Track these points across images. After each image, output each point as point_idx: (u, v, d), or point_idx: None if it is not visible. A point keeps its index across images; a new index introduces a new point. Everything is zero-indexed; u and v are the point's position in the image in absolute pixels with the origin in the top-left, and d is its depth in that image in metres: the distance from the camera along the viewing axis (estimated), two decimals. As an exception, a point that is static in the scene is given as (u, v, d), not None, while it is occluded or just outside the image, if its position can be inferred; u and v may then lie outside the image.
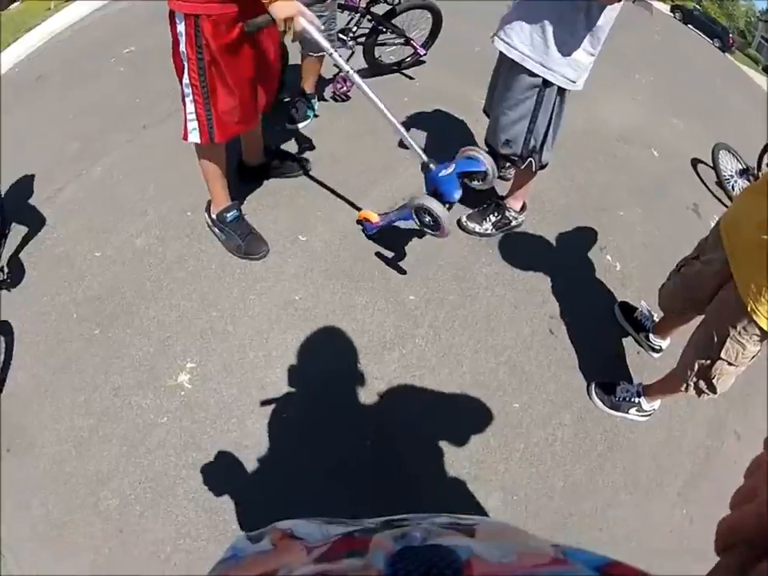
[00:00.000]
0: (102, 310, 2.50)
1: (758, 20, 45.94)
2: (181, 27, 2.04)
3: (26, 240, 2.86)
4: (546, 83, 2.36)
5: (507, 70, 2.45)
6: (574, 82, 2.37)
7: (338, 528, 0.65)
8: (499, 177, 3.22)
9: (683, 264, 2.22)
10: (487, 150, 2.66)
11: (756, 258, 1.70)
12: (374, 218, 2.62)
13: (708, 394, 1.99)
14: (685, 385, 2.03)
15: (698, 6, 36.34)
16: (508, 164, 2.97)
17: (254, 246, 2.65)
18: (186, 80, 2.17)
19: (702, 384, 1.97)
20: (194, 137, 2.31)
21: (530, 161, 2.60)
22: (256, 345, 2.37)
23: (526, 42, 2.31)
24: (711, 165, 4.50)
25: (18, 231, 2.92)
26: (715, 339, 1.87)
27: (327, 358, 2.37)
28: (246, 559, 0.59)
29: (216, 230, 2.70)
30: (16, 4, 16.54)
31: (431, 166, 2.35)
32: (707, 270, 1.99)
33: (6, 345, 2.45)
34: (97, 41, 5.65)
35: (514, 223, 2.98)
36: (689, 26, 22.97)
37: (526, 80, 2.38)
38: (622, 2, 2.10)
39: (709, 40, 21.77)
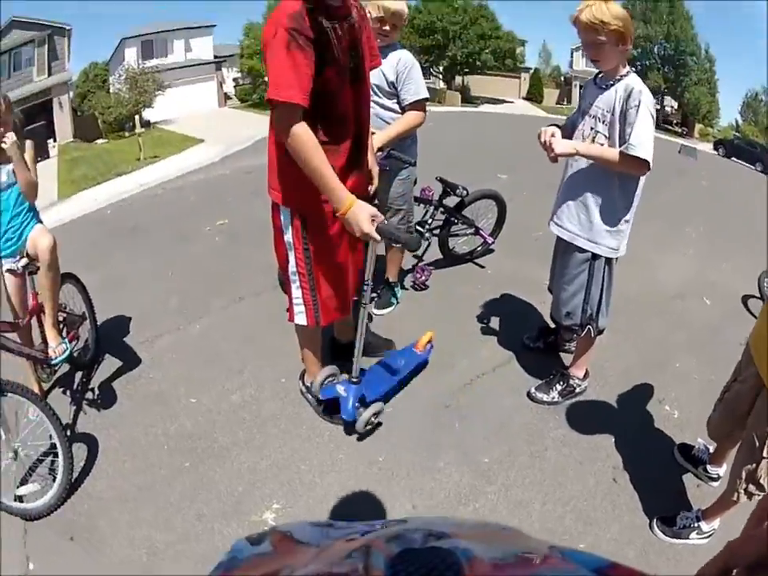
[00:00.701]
0: (194, 447, 2.67)
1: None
2: (286, 219, 2.26)
3: (119, 373, 3.07)
4: (595, 256, 2.65)
5: (563, 249, 2.77)
6: (617, 250, 2.64)
7: (338, 530, 0.66)
8: (563, 350, 3.49)
9: (725, 391, 2.30)
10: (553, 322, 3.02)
11: None
12: None
13: (758, 495, 1.99)
14: (736, 494, 2.05)
15: (736, 134, 36.43)
16: (572, 336, 3.18)
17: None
18: (292, 267, 2.36)
19: (751, 488, 1.99)
20: (301, 320, 2.50)
21: (588, 328, 2.84)
22: (340, 495, 2.50)
23: (574, 222, 2.63)
24: (759, 295, 4.57)
25: (112, 364, 3.16)
26: (757, 443, 1.92)
27: (407, 512, 2.46)
28: (246, 561, 0.59)
29: (309, 396, 2.89)
30: (101, 141, 17.87)
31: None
32: (744, 387, 2.07)
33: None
34: (191, 205, 6.13)
35: (578, 390, 3.15)
36: (732, 158, 23.10)
37: (578, 256, 2.68)
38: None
39: (751, 166, 21.76)
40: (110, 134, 19.64)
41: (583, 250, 2.66)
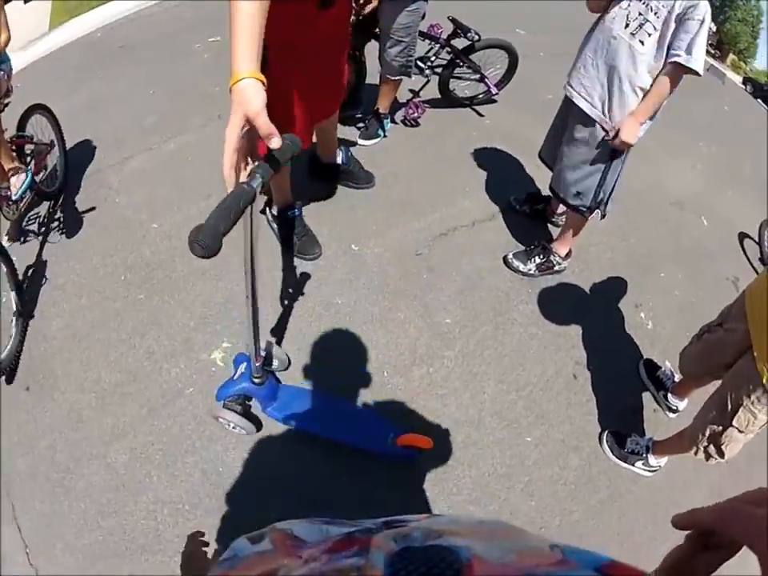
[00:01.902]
0: (151, 278, 2.61)
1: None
2: None
3: (85, 200, 3.00)
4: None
5: (581, 123, 2.57)
6: (638, 136, 2.49)
7: (338, 528, 0.66)
8: (550, 222, 3.35)
9: (706, 330, 2.25)
10: (552, 196, 2.88)
11: None
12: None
13: (716, 459, 2.01)
14: (695, 449, 2.05)
15: (769, 80, 35.92)
16: (577, 213, 3.04)
17: (308, 246, 2.75)
18: None
19: (711, 449, 1.99)
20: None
21: (597, 211, 2.72)
22: (293, 338, 2.45)
23: (606, 102, 2.46)
24: (757, 241, 4.50)
25: (80, 191, 3.09)
26: (729, 407, 1.89)
27: (357, 362, 2.44)
28: (246, 559, 0.60)
29: (275, 225, 2.79)
30: None
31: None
32: (729, 338, 2.02)
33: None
34: (184, 23, 5.79)
35: (557, 268, 3.04)
36: (758, 100, 22.67)
37: (602, 136, 2.50)
38: None
39: (774, 111, 21.46)
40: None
41: (608, 132, 2.49)
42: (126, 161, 3.30)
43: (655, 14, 2.29)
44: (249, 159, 1.24)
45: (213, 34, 5.12)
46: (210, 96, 3.95)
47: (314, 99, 2.35)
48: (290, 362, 2.34)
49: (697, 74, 2.27)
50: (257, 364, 1.87)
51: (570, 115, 2.67)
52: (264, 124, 1.16)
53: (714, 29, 41.57)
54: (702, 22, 2.20)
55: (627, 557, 1.61)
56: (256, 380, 1.95)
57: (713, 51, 39.02)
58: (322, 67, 2.31)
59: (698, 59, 2.24)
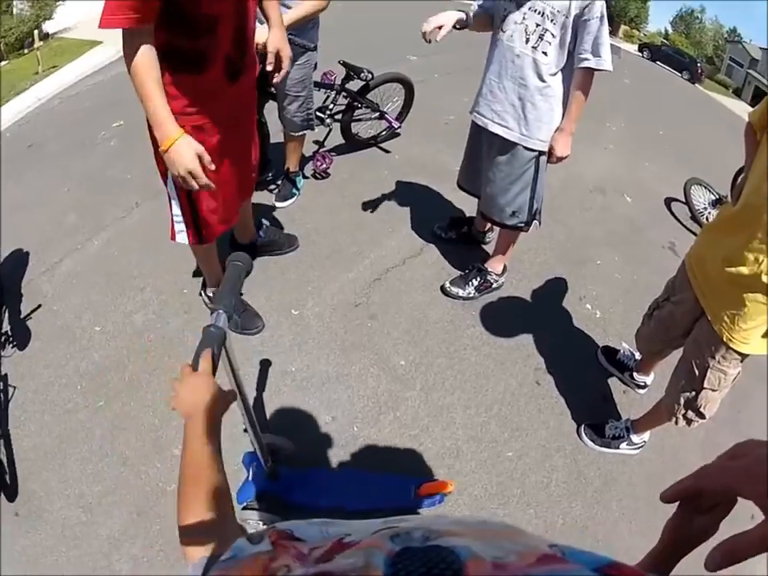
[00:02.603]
0: (106, 382, 2.56)
1: (725, 41, 46.76)
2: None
3: (25, 312, 2.92)
4: (541, 153, 2.56)
5: (499, 147, 2.60)
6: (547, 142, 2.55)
7: (338, 528, 0.65)
8: (478, 241, 3.40)
9: (655, 307, 2.29)
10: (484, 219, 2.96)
11: (725, 291, 1.79)
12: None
13: (697, 422, 2.03)
14: (675, 419, 2.07)
15: (665, 41, 37.29)
16: (487, 228, 3.15)
17: (250, 321, 2.72)
18: (170, 183, 2.15)
19: (690, 414, 2.02)
20: (182, 238, 2.34)
21: (534, 222, 2.77)
22: (257, 414, 2.36)
23: (518, 120, 2.50)
24: (684, 201, 4.61)
25: (17, 304, 2.99)
26: (696, 372, 1.92)
27: (326, 425, 2.43)
28: (246, 560, 0.58)
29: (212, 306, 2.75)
30: (3, 63, 16.69)
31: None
32: (679, 310, 2.07)
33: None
34: (87, 112, 5.81)
35: (495, 285, 3.07)
36: (657, 62, 23.46)
37: (525, 154, 2.55)
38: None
39: (678, 73, 22.26)
40: (10, 55, 18.21)
41: (529, 149, 2.54)
42: (56, 266, 3.24)
43: (552, 21, 2.31)
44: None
45: (115, 119, 5.11)
46: (124, 184, 3.93)
47: (235, 176, 2.35)
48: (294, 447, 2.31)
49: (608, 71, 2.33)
50: (268, 464, 1.93)
51: (484, 141, 2.70)
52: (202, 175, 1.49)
53: (604, 6, 42.92)
54: (601, 18, 2.25)
55: (637, 532, 1.87)
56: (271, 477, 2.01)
57: (603, 28, 40.30)
58: (237, 142, 2.30)
59: (606, 58, 2.29)
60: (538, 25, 2.34)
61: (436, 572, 0.41)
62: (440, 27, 2.50)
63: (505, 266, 3.09)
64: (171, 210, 2.28)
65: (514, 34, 2.40)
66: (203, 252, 2.55)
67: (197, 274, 2.94)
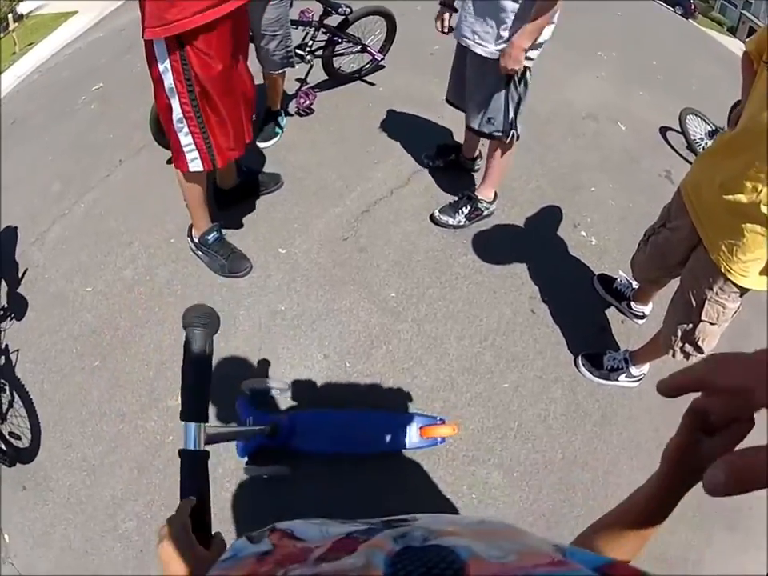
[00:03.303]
0: (100, 342, 2.57)
1: (720, -20, 45.90)
2: (165, 64, 2.07)
3: (19, 283, 2.95)
4: None
5: (478, 63, 2.57)
6: (533, 59, 2.51)
7: (338, 528, 0.65)
8: (466, 169, 3.34)
9: (651, 234, 2.25)
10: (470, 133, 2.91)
11: (722, 219, 1.75)
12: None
13: (695, 356, 2.01)
14: (671, 351, 2.06)
15: (658, -24, 36.55)
16: (476, 155, 3.07)
17: (237, 264, 2.71)
18: (177, 115, 2.19)
19: (687, 347, 2.00)
20: (196, 166, 2.35)
21: (513, 133, 2.69)
22: (250, 356, 2.43)
23: (491, 36, 2.45)
24: (680, 130, 4.53)
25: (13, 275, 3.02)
26: (694, 303, 1.90)
27: (318, 362, 2.42)
28: (246, 559, 0.58)
29: (200, 252, 2.76)
30: None
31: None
32: (675, 236, 2.03)
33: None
34: (66, 80, 5.72)
35: (486, 213, 3.02)
36: (651, -5, 23.01)
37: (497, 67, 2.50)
38: None
39: (671, 8, 21.76)
40: (-14, 41, 18.04)
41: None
42: (45, 234, 3.23)
43: None
44: None
45: (94, 83, 5.03)
46: (107, 145, 3.88)
47: (240, 104, 2.40)
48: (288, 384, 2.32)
49: None
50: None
51: (468, 57, 2.66)
52: None
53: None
54: None
55: (638, 468, 1.69)
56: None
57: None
58: (240, 71, 2.35)
59: None
60: None
61: (436, 572, 0.41)
62: (441, 21, 2.75)
63: (495, 193, 3.03)
64: (179, 141, 2.28)
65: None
66: (197, 185, 2.54)
67: (182, 222, 2.91)
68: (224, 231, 2.78)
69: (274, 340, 2.49)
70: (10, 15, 15.44)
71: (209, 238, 2.68)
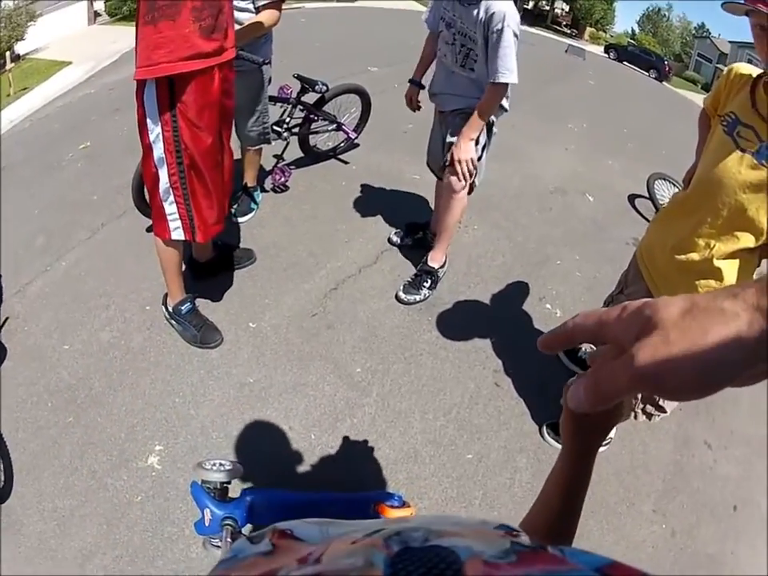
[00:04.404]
0: (74, 399, 2.58)
1: (693, 37, 47.25)
2: (156, 133, 2.11)
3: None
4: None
5: (450, 118, 2.77)
6: (507, 110, 2.70)
7: (338, 529, 0.65)
8: (432, 245, 3.37)
9: (609, 301, 2.31)
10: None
11: (676, 280, 1.79)
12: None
13: (659, 416, 2.02)
14: (634, 414, 2.06)
15: (631, 41, 37.63)
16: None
17: (209, 335, 2.76)
18: (164, 184, 2.23)
19: (649, 408, 2.01)
20: (178, 235, 2.39)
21: (473, 182, 2.83)
22: (218, 426, 2.45)
23: (475, 93, 2.62)
24: (648, 196, 4.66)
25: None
26: None
27: (283, 434, 2.45)
28: (246, 560, 0.59)
29: (173, 321, 2.80)
30: None
31: None
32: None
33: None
34: (56, 134, 5.80)
35: (441, 275, 3.16)
36: (624, 63, 23.74)
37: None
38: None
39: (645, 73, 22.51)
40: (-18, 76, 18.17)
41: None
42: (26, 287, 3.25)
43: (473, 41, 2.46)
44: None
45: (82, 140, 5.12)
46: (90, 206, 3.94)
47: (222, 180, 2.45)
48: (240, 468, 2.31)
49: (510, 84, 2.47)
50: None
51: (444, 120, 2.86)
52: None
53: (567, 9, 43.14)
54: (501, 31, 2.34)
55: (608, 530, 1.92)
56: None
57: (569, 31, 40.43)
58: (223, 147, 2.41)
59: (506, 71, 2.41)
60: (463, 45, 2.53)
61: (436, 572, 0.41)
62: (410, 98, 3.06)
63: (446, 257, 3.19)
64: (164, 210, 2.32)
65: (447, 54, 2.62)
66: (174, 256, 2.57)
67: (158, 290, 2.97)
68: (197, 302, 2.83)
69: (241, 410, 2.52)
70: (8, 53, 15.66)
71: (182, 308, 2.72)
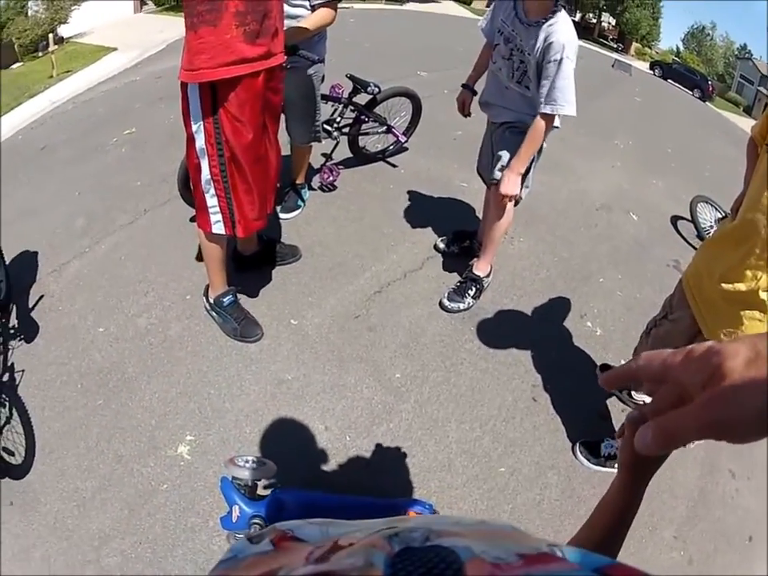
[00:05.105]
0: (106, 382, 2.59)
1: (735, 58, 46.80)
2: (198, 124, 2.11)
3: (32, 309, 2.99)
4: None
5: (506, 134, 2.73)
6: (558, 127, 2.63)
7: (339, 528, 0.66)
8: (478, 254, 3.35)
9: (653, 326, 2.27)
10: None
11: (722, 308, 1.76)
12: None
13: (693, 443, 2.01)
14: None
15: (676, 59, 37.38)
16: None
17: (249, 329, 2.75)
18: (205, 176, 2.23)
19: None
20: (219, 228, 2.39)
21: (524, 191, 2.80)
22: (252, 421, 2.44)
23: (526, 109, 2.60)
24: (690, 219, 4.62)
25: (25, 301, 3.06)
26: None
27: (319, 434, 2.44)
28: (247, 560, 0.59)
29: (213, 313, 2.79)
30: (18, 65, 16.96)
31: None
32: (676, 328, 2.04)
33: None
34: (100, 117, 5.89)
35: (486, 285, 3.13)
36: (669, 80, 23.58)
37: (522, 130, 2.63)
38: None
39: (689, 92, 22.35)
40: (25, 57, 18.46)
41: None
42: (63, 267, 3.29)
43: (530, 59, 2.42)
44: None
45: (126, 126, 5.18)
46: (133, 191, 3.97)
47: (267, 176, 2.45)
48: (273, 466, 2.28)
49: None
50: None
51: (495, 131, 2.83)
52: None
53: (614, 23, 43.00)
54: (559, 62, 2.30)
55: (631, 552, 1.93)
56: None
57: (615, 45, 40.29)
58: (268, 144, 2.40)
59: (564, 102, 2.37)
60: (522, 62, 2.48)
61: (436, 572, 0.41)
62: (463, 103, 2.99)
63: (491, 267, 3.16)
64: (206, 202, 2.33)
65: (503, 68, 2.58)
66: (217, 248, 2.58)
67: (199, 280, 2.97)
68: (239, 296, 2.83)
69: (277, 407, 2.51)
70: (50, 35, 15.90)
71: (224, 300, 2.72)
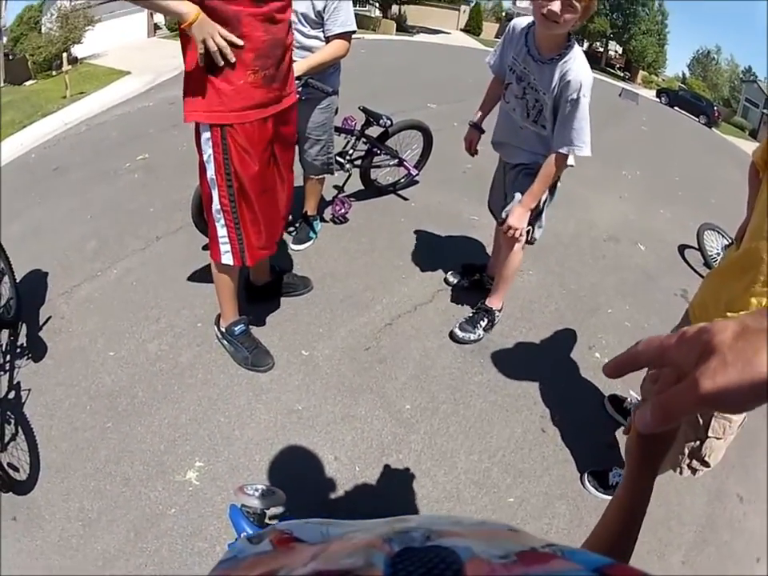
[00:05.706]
0: (115, 405, 2.60)
1: (741, 81, 46.93)
2: (208, 153, 2.14)
3: (41, 330, 3.00)
4: None
5: (520, 177, 2.69)
6: (573, 165, 2.59)
7: (338, 529, 0.66)
8: (488, 288, 3.34)
9: None
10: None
11: None
12: None
13: (702, 470, 1.99)
14: (679, 469, 2.02)
15: (682, 86, 37.53)
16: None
17: (261, 358, 2.77)
18: (216, 206, 2.27)
19: (694, 463, 1.97)
20: (227, 259, 2.40)
21: (531, 234, 2.81)
22: (261, 449, 2.44)
23: (541, 149, 2.56)
24: (698, 248, 4.63)
25: (34, 321, 3.08)
26: (701, 421, 1.86)
27: (328, 464, 2.44)
28: (247, 560, 0.59)
29: (225, 341, 2.81)
30: (31, 82, 17.13)
31: None
32: None
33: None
34: (113, 141, 5.97)
35: (497, 318, 3.13)
36: (675, 108, 23.72)
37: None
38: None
39: (695, 118, 22.45)
40: (38, 74, 18.67)
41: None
42: (74, 289, 3.32)
43: (546, 98, 2.38)
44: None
45: (140, 152, 5.25)
46: (146, 217, 4.02)
47: (275, 207, 2.48)
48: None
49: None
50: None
51: (508, 170, 2.81)
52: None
53: (621, 51, 43.27)
54: (574, 101, 2.27)
55: None
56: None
57: (622, 74, 40.46)
58: (278, 177, 2.45)
59: (580, 143, 2.35)
60: (537, 101, 2.43)
61: (436, 572, 0.41)
62: (470, 143, 2.97)
63: (503, 303, 3.16)
64: (216, 232, 2.35)
65: (516, 108, 2.54)
66: (229, 278, 2.59)
67: (210, 308, 2.99)
68: (251, 326, 2.85)
69: (287, 436, 2.51)
70: (64, 54, 16.08)
71: (235, 329, 2.74)
